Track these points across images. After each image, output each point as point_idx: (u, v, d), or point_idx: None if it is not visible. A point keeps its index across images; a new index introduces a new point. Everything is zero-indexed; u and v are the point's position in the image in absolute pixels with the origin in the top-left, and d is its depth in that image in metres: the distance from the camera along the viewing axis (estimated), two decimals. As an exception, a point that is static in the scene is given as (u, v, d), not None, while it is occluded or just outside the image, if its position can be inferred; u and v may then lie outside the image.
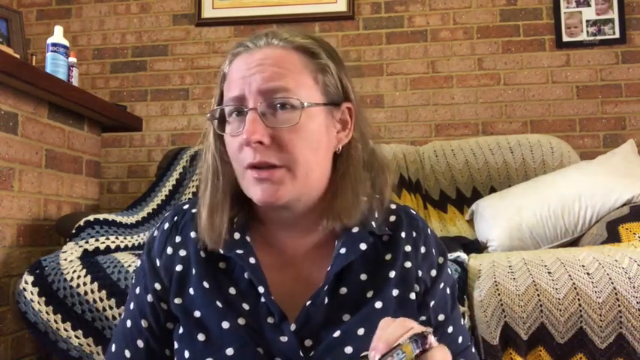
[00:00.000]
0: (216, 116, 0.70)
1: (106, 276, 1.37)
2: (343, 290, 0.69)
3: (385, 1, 2.58)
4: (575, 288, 1.16)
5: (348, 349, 0.65)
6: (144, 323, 0.73)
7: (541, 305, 1.15)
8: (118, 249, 1.55)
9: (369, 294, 0.70)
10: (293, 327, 0.66)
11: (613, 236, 1.51)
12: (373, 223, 0.73)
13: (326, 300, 0.68)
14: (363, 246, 0.71)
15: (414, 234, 0.75)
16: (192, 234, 0.73)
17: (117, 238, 1.59)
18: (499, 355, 1.16)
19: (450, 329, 0.75)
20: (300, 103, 0.66)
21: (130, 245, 1.60)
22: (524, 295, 1.17)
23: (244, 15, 2.60)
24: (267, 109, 0.66)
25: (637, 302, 1.13)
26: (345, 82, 0.72)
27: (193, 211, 0.75)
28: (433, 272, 0.75)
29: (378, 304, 0.68)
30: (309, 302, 0.67)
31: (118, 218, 1.71)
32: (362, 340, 0.65)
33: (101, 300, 1.35)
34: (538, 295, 1.16)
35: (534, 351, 1.16)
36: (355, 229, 0.71)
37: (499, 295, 1.18)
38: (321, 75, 0.70)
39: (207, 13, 2.64)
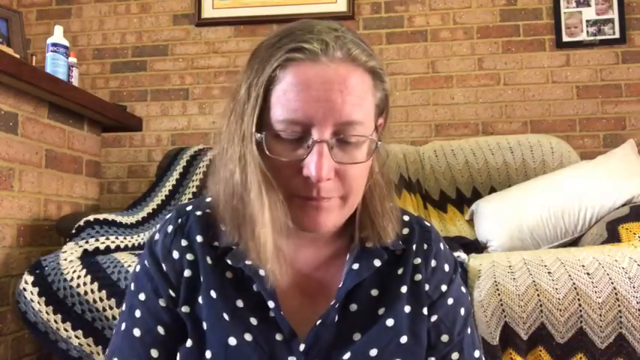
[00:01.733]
0: (262, 134, 0.59)
1: (106, 276, 1.38)
2: (353, 307, 0.66)
3: (385, 1, 2.57)
4: (575, 288, 1.16)
5: None
6: (161, 330, 0.66)
7: (541, 305, 1.15)
8: (118, 249, 1.55)
9: (381, 311, 0.66)
10: (302, 347, 0.63)
11: (613, 236, 1.51)
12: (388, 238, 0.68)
13: (336, 318, 0.65)
14: (377, 262, 0.67)
15: (425, 246, 0.71)
16: (199, 238, 0.67)
17: (117, 238, 1.59)
18: (499, 355, 1.16)
19: (455, 356, 0.69)
20: (374, 143, 0.62)
21: (130, 245, 1.60)
22: (524, 295, 1.17)
23: (244, 15, 2.60)
24: (335, 142, 0.59)
25: (637, 302, 1.13)
26: (389, 97, 0.66)
27: (198, 213, 0.69)
28: (443, 287, 0.70)
29: (390, 322, 0.65)
30: (319, 322, 0.64)
31: (118, 218, 1.71)
32: None
33: (101, 300, 1.35)
34: (538, 295, 1.16)
35: (534, 351, 1.16)
36: (369, 244, 0.67)
37: (499, 295, 1.18)
38: (381, 99, 0.64)
39: (207, 13, 2.64)
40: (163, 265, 0.67)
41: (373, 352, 0.64)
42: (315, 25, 0.61)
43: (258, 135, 0.59)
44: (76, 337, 1.34)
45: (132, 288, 0.70)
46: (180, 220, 0.69)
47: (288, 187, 0.60)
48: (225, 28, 2.65)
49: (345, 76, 0.58)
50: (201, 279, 0.66)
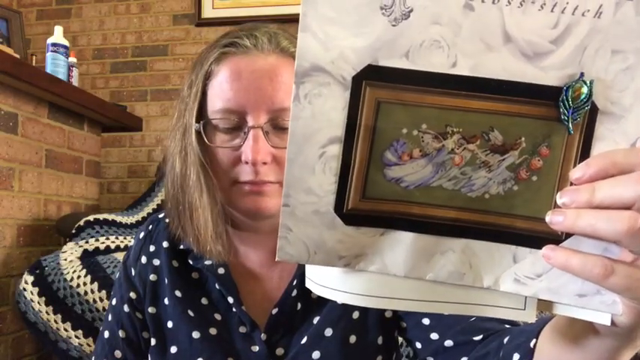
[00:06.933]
0: (200, 123, 0.63)
1: (106, 276, 1.38)
2: (315, 294, 0.68)
3: (385, 1, 2.58)
4: (575, 288, 1.16)
5: (316, 355, 0.64)
6: (121, 334, 0.72)
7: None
8: (118, 249, 1.55)
9: None
10: (263, 336, 0.66)
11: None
12: None
13: (299, 306, 0.67)
14: None
15: None
16: (165, 243, 0.71)
17: (117, 238, 1.59)
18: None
19: (426, 321, 0.64)
20: None
21: (129, 245, 1.60)
22: (524, 295, 1.17)
23: (244, 15, 2.60)
24: (270, 128, 0.61)
25: (637, 302, 1.13)
26: None
27: (167, 220, 0.72)
28: None
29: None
30: (275, 310, 0.66)
31: (118, 218, 1.71)
32: (330, 341, 0.64)
33: (101, 300, 1.35)
34: (538, 295, 1.16)
35: (534, 351, 1.16)
36: None
37: (499, 295, 1.18)
38: None
39: (207, 13, 2.64)
40: (132, 270, 0.73)
41: (328, 332, 0.65)
42: (253, 25, 0.66)
43: (197, 125, 0.63)
44: (76, 337, 1.35)
45: (111, 294, 0.77)
46: (150, 227, 0.75)
47: (229, 175, 0.63)
48: (225, 28, 2.63)
49: (275, 66, 0.61)
50: (166, 281, 0.70)
